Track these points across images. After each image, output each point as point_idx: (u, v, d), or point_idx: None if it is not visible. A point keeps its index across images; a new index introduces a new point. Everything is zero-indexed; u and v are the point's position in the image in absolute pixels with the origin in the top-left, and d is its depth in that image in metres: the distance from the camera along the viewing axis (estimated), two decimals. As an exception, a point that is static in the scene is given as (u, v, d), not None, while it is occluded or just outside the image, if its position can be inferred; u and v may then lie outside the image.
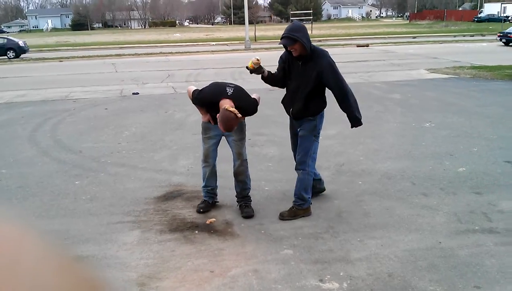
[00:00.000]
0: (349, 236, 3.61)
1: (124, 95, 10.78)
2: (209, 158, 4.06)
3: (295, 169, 4.04)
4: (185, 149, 6.14)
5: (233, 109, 3.63)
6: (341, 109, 3.93)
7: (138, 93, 10.86)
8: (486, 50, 20.72)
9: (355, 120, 3.91)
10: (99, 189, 4.79)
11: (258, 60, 3.88)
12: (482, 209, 4.03)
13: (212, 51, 24.30)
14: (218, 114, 3.67)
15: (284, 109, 4.11)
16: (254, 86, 11.24)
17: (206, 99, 3.87)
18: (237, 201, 4.18)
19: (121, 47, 28.57)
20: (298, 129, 4.00)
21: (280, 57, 4.05)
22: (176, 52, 23.78)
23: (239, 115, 3.64)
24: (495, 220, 3.82)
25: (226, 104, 3.67)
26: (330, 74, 3.76)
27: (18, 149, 6.36)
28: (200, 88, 3.96)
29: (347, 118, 3.97)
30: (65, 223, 3.99)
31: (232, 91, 3.79)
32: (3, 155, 6.09)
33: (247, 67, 3.88)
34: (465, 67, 14.07)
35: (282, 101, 4.12)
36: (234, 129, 3.76)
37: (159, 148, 6.26)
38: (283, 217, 3.96)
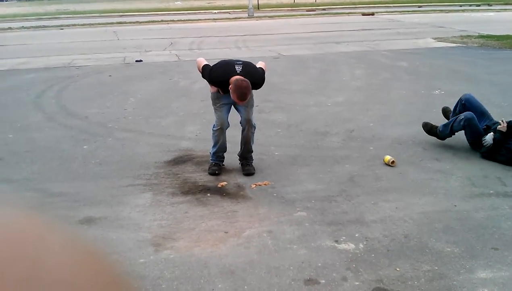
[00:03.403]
0: (363, 199, 3.58)
1: (128, 63, 10.62)
2: (225, 126, 4.09)
3: None
4: (191, 115, 6.07)
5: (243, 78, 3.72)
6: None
7: (142, 61, 10.70)
8: (493, 19, 20.32)
9: None
10: (108, 153, 4.75)
11: (394, 161, 4.23)
12: (496, 174, 4.00)
13: (215, 19, 23.84)
14: (230, 86, 3.74)
15: None
16: (259, 54, 11.01)
17: (217, 78, 3.94)
18: (239, 159, 4.28)
19: (121, 15, 27.99)
20: None
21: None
22: (178, 20, 23.30)
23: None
24: (510, 184, 3.79)
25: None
26: None
27: (24, 114, 6.29)
28: (210, 66, 3.98)
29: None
30: (75, 186, 3.97)
31: (241, 68, 3.84)
32: (9, 120, 6.03)
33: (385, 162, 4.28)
34: (472, 36, 13.81)
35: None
36: (248, 98, 3.80)
37: (166, 114, 6.19)
38: None
